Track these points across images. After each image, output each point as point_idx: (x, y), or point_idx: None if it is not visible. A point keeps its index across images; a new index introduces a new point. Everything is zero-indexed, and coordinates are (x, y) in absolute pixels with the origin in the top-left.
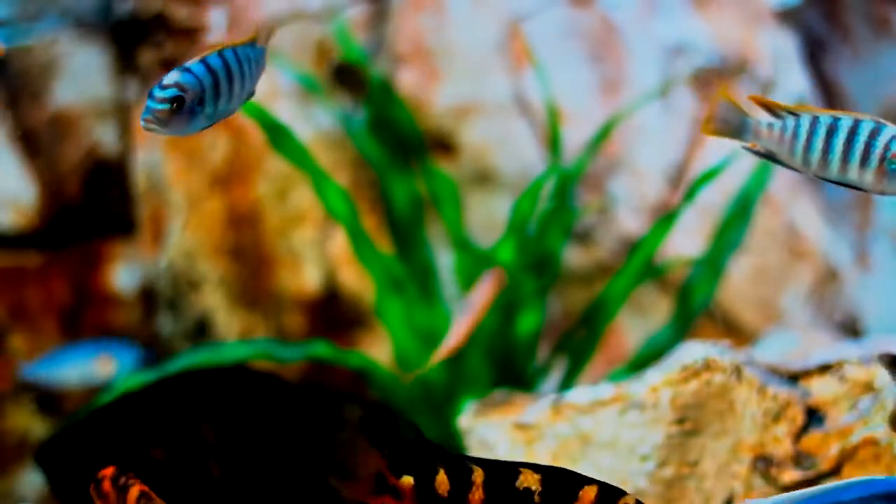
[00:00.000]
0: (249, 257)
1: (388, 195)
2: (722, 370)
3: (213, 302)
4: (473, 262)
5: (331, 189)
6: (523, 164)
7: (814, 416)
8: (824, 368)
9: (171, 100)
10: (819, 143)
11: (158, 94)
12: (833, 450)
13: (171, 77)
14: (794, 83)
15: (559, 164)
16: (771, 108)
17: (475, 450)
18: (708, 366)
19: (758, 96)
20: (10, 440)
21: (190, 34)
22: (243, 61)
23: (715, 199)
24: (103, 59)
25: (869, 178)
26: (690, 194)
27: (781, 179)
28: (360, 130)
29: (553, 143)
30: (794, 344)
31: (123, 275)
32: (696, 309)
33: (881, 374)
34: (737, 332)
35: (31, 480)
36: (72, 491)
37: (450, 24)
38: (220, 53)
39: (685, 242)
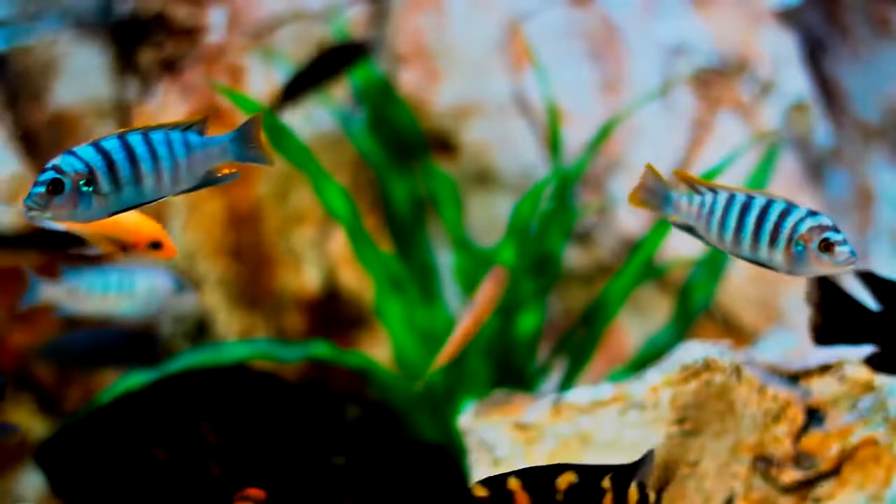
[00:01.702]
0: (249, 257)
1: (388, 195)
2: (722, 370)
3: (213, 302)
4: (473, 262)
5: (331, 189)
6: (523, 164)
7: (814, 416)
8: (824, 368)
9: (48, 183)
10: (733, 220)
11: (39, 178)
12: (833, 450)
13: (53, 160)
14: (793, 83)
15: (561, 167)
16: (692, 183)
17: (475, 450)
18: (708, 366)
19: (681, 171)
20: (10, 440)
21: (190, 34)
22: (159, 144)
23: None
24: (103, 59)
25: (778, 258)
26: None
27: (782, 179)
28: (360, 130)
29: (553, 143)
30: (794, 344)
31: None
32: (696, 309)
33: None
34: (737, 332)
35: (31, 480)
36: (72, 491)
37: (450, 24)
38: (122, 135)
39: (685, 243)
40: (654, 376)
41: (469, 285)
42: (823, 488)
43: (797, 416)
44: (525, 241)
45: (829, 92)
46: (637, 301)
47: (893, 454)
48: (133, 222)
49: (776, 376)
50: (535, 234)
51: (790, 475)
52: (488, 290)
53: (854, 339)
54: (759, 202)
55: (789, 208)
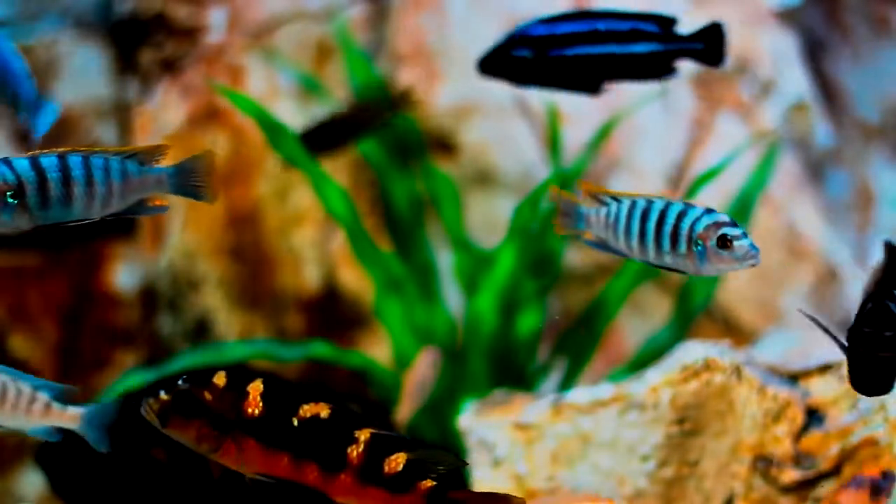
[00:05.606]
0: (249, 257)
1: (388, 195)
2: (722, 370)
3: (213, 302)
4: (473, 262)
5: (331, 189)
6: (523, 164)
7: (814, 416)
8: (824, 368)
9: None
10: (636, 227)
11: None
12: (833, 450)
13: None
14: (794, 83)
15: (561, 167)
16: (596, 195)
17: (475, 450)
18: (708, 366)
19: (586, 183)
20: (10, 440)
21: (190, 34)
22: (96, 169)
23: (715, 199)
24: (103, 59)
25: (682, 260)
26: (690, 194)
27: (782, 179)
28: None
29: (553, 143)
30: (794, 344)
31: (123, 275)
32: (696, 309)
33: None
34: (737, 332)
35: (31, 480)
36: (72, 491)
37: (450, 24)
38: (63, 155)
39: None
40: (654, 376)
41: (469, 285)
42: (823, 488)
43: (797, 416)
44: (526, 242)
45: (829, 92)
46: (637, 301)
47: (893, 454)
48: None
49: (776, 376)
50: (536, 235)
51: (790, 475)
52: (421, 373)
53: None
54: (657, 206)
55: (686, 209)
